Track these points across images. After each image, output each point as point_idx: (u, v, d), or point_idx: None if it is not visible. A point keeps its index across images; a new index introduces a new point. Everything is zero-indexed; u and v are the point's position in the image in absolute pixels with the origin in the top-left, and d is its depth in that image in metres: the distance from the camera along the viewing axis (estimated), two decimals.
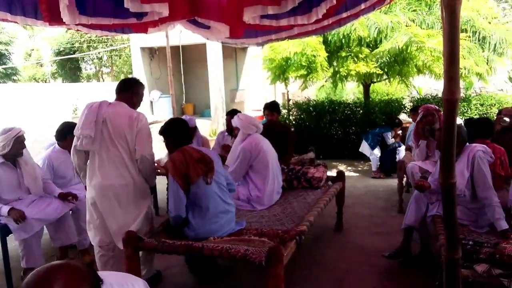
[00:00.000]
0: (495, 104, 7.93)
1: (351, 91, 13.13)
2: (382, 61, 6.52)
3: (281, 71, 7.02)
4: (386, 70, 6.92)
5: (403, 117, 8.02)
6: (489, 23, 7.38)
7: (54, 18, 2.85)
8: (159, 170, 4.16)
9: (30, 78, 31.12)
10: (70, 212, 3.77)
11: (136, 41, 11.93)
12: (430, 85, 10.80)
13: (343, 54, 6.63)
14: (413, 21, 6.58)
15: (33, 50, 31.99)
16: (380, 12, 6.29)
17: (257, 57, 8.47)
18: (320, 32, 4.92)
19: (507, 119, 4.08)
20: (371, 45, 6.66)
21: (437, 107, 4.56)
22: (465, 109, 7.93)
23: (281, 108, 8.93)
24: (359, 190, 5.88)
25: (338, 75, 6.84)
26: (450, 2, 1.27)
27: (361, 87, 8.85)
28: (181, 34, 9.60)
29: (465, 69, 6.31)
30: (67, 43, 27.11)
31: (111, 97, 3.11)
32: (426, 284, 3.06)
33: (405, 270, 3.33)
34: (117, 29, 3.83)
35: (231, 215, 2.94)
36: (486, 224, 2.99)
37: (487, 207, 2.90)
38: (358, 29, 6.10)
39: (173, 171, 2.74)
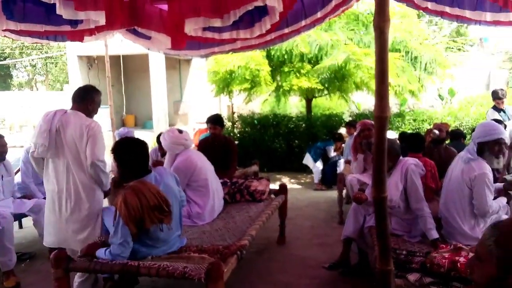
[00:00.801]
0: (426, 120, 8.48)
1: (294, 105, 13.45)
2: (323, 77, 6.75)
3: (225, 84, 7.04)
4: (326, 85, 7.17)
5: (343, 131, 8.33)
6: (420, 44, 7.93)
7: None
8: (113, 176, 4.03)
9: None
10: None
11: (73, 49, 11.40)
12: (369, 101, 11.38)
13: (286, 69, 6.79)
14: (351, 39, 6.90)
15: None
16: (321, 29, 6.54)
17: (202, 69, 8.45)
18: (263, 47, 4.99)
19: (436, 131, 4.36)
20: (312, 61, 6.89)
21: (373, 122, 4.77)
22: (399, 124, 8.40)
23: (225, 121, 8.97)
24: (301, 202, 5.98)
25: (281, 90, 6.98)
26: (380, 23, 1.32)
27: (304, 101, 9.10)
28: (122, 43, 9.30)
29: (399, 86, 6.71)
30: None
31: (46, 107, 3.03)
32: None
33: (345, 280, 3.40)
34: (50, 36, 3.61)
35: (177, 236, 2.81)
36: (419, 234, 3.13)
37: (420, 218, 3.04)
38: (300, 45, 6.29)
39: (126, 217, 2.42)
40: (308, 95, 7.91)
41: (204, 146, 4.69)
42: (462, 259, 2.37)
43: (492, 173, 2.94)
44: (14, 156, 5.23)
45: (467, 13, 3.67)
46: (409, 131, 7.52)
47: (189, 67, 12.84)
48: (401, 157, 3.29)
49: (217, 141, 4.61)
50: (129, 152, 2.64)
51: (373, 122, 5.20)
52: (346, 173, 5.13)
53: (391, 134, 6.80)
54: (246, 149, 8.16)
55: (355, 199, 3.32)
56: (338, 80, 6.90)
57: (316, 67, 6.61)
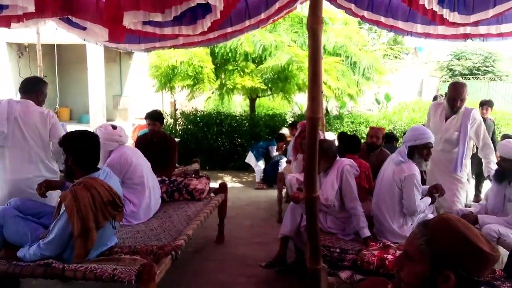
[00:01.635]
0: (363, 122, 8.86)
1: (239, 104, 13.48)
2: (266, 77, 6.80)
3: (167, 79, 6.86)
4: (270, 86, 7.24)
5: (285, 131, 8.47)
6: (360, 50, 8.26)
7: None
8: None
9: None
10: None
11: (1, 35, 10.52)
12: None
13: (230, 67, 6.76)
14: (295, 42, 7.02)
15: None
16: (265, 30, 6.58)
17: (144, 63, 8.17)
18: (207, 44, 4.93)
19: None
20: (256, 61, 6.92)
21: None
22: (338, 125, 8.70)
23: (168, 118, 8.78)
24: (242, 201, 5.99)
25: (225, 88, 6.94)
26: (313, 25, 1.34)
27: (248, 100, 9.14)
28: (56, 32, 8.74)
29: (338, 89, 6.93)
30: None
31: None
32: None
33: (281, 278, 3.44)
34: None
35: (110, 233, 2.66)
36: (352, 232, 3.25)
37: (353, 216, 3.16)
38: (244, 44, 6.29)
39: (73, 214, 2.22)
40: (252, 95, 7.95)
41: (142, 142, 4.53)
42: (390, 257, 2.49)
43: (420, 174, 3.13)
44: None
45: (400, 24, 3.89)
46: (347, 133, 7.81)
47: (130, 61, 12.38)
48: (337, 158, 3.39)
49: (156, 138, 4.47)
50: (83, 145, 2.50)
51: None
52: (286, 173, 5.21)
53: (330, 135, 7.02)
54: (188, 147, 8.04)
55: (292, 198, 3.38)
56: (281, 81, 6.99)
57: (260, 67, 6.65)
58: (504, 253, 3.21)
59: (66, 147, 2.51)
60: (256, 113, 8.83)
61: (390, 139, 5.38)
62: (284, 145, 7.28)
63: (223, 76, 7.03)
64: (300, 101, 11.16)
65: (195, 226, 3.19)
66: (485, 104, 6.02)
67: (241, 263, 3.76)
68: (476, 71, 15.22)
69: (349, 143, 4.27)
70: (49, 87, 3.64)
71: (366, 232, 3.08)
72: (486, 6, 3.13)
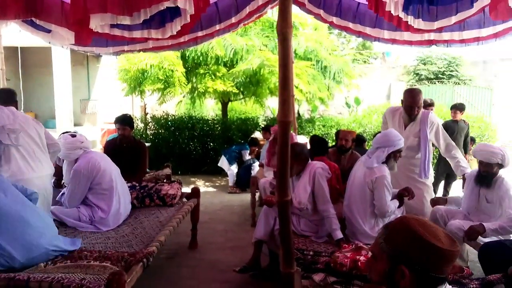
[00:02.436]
0: (334, 125, 8.99)
1: (211, 108, 13.41)
2: (238, 81, 6.80)
3: (136, 83, 6.75)
4: (242, 89, 7.25)
5: (258, 135, 8.50)
6: (330, 54, 8.40)
7: None
8: None
9: None
10: None
11: None
12: None
13: (201, 71, 6.72)
14: (266, 46, 7.06)
15: None
16: (236, 34, 6.60)
17: (112, 66, 8.00)
18: (177, 48, 4.89)
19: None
20: (228, 64, 6.91)
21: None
22: (310, 129, 8.79)
23: (138, 122, 8.62)
24: (215, 206, 5.95)
25: (196, 92, 6.89)
26: (282, 29, 1.34)
27: (220, 104, 9.11)
28: (20, 34, 8.44)
29: (310, 93, 7.01)
30: None
31: None
32: None
33: (255, 283, 3.42)
34: None
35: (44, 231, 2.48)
36: (325, 234, 3.28)
37: (326, 219, 3.20)
38: (216, 48, 6.27)
39: None
40: (224, 98, 7.93)
41: (111, 148, 4.42)
42: (362, 258, 2.52)
43: (390, 176, 3.20)
44: None
45: (368, 30, 3.99)
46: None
47: (98, 64, 12.09)
48: (309, 161, 3.43)
49: (126, 143, 4.37)
50: None
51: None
52: (259, 176, 5.22)
53: (302, 139, 7.08)
54: (159, 152, 7.92)
55: (266, 202, 3.38)
56: (253, 84, 7.01)
57: (231, 70, 6.65)
58: (470, 250, 3.33)
59: None
60: (228, 117, 8.81)
61: (360, 141, 5.49)
62: (257, 149, 7.29)
63: (194, 80, 6.98)
64: (272, 105, 11.22)
65: (167, 232, 3.14)
66: (456, 108, 6.12)
67: (214, 268, 3.72)
68: (441, 75, 15.73)
69: (316, 146, 4.34)
70: None
71: (339, 234, 3.11)
72: (449, 14, 3.26)
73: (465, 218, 3.37)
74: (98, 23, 2.99)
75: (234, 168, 6.98)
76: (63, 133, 3.80)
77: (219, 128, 8.34)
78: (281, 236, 1.58)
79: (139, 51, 4.56)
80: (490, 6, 2.94)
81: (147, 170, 4.81)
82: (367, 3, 3.32)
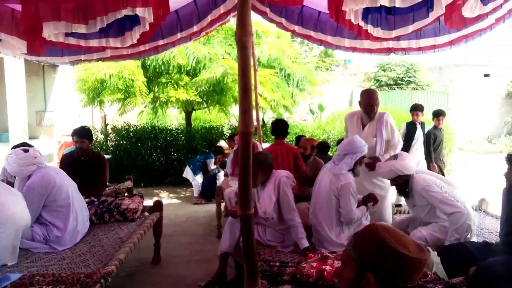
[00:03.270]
0: (299, 132, 9.05)
1: (175, 118, 13.20)
2: (201, 89, 6.71)
3: (95, 93, 6.52)
4: (205, 98, 7.16)
5: (223, 143, 8.42)
6: (293, 62, 8.48)
7: None
8: None
9: None
10: None
11: None
12: None
13: (163, 80, 6.59)
14: (229, 54, 7.03)
15: None
16: (199, 43, 6.52)
17: (69, 76, 7.70)
18: (137, 57, 4.76)
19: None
20: (190, 73, 6.82)
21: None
22: None
23: (98, 134, 8.33)
24: (180, 218, 5.80)
25: (158, 101, 6.74)
26: (241, 37, 1.30)
27: (183, 113, 8.96)
28: None
29: (274, 101, 7.03)
30: None
31: None
32: None
33: None
34: None
35: None
36: (291, 244, 3.25)
37: (292, 228, 3.17)
38: (177, 56, 6.17)
39: None
40: (187, 108, 7.81)
41: (68, 161, 4.20)
42: (328, 268, 2.50)
43: (354, 182, 3.22)
44: None
45: (329, 39, 4.04)
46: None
47: (54, 74, 11.62)
48: (274, 170, 3.39)
49: (84, 156, 4.17)
50: None
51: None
52: (225, 186, 5.14)
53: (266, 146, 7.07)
54: (121, 164, 7.68)
55: (231, 213, 3.31)
56: (216, 93, 6.94)
57: (194, 79, 6.55)
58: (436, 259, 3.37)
59: None
60: (192, 126, 8.68)
61: (325, 148, 5.53)
62: (222, 158, 7.21)
63: (156, 89, 6.83)
64: (237, 113, 11.17)
65: (127, 249, 2.99)
66: (440, 115, 6.11)
67: (179, 283, 3.60)
68: (400, 81, 16.30)
69: (276, 128, 4.41)
70: None
71: (305, 243, 3.09)
72: (406, 23, 3.35)
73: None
74: (51, 31, 2.85)
75: (199, 178, 6.86)
76: (14, 147, 3.57)
77: (183, 137, 8.20)
78: (244, 252, 1.52)
79: (97, 60, 4.40)
80: (445, 16, 3.04)
81: (108, 183, 4.62)
82: (328, 12, 3.34)
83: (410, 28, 3.37)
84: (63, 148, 8.24)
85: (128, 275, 3.74)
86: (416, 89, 16.09)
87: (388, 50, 4.24)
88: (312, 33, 4.01)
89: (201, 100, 7.07)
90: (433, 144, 6.01)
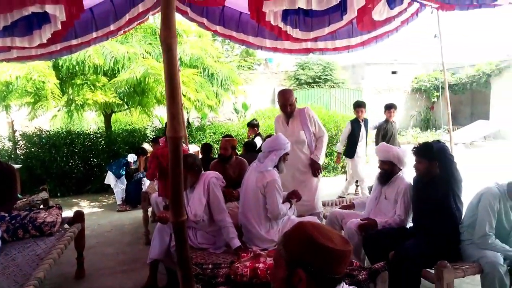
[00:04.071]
0: (224, 132, 9.05)
1: (93, 121, 12.45)
2: (121, 91, 6.42)
3: (0, 97, 5.90)
4: (126, 100, 6.87)
5: (147, 146, 8.13)
6: (216, 61, 8.46)
7: None
8: None
9: None
10: None
11: None
12: None
13: (78, 81, 6.19)
14: (150, 53, 6.81)
15: None
16: (116, 41, 6.23)
17: None
18: (48, 58, 4.40)
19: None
20: (109, 74, 6.48)
21: None
22: (201, 137, 8.73)
23: (5, 142, 7.57)
24: (103, 227, 5.50)
25: (73, 104, 6.31)
26: (166, 39, 1.26)
27: (102, 116, 8.50)
28: None
29: (198, 101, 6.96)
30: None
31: None
32: None
33: None
34: None
35: None
36: (223, 244, 3.24)
37: (223, 228, 3.16)
38: (93, 56, 5.82)
39: None
40: (106, 110, 7.41)
41: None
42: (261, 265, 2.54)
43: (280, 179, 3.30)
44: None
45: (251, 39, 4.11)
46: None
47: None
48: (202, 171, 3.36)
49: None
50: None
51: None
52: (151, 191, 4.97)
53: (193, 148, 6.99)
54: (33, 173, 7.07)
55: (159, 219, 3.21)
56: (138, 94, 6.69)
57: (113, 80, 6.25)
58: None
59: None
60: (112, 129, 8.26)
61: (251, 147, 5.58)
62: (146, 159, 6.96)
63: (70, 92, 6.38)
64: (160, 114, 10.88)
65: (46, 266, 2.77)
66: (391, 108, 6.24)
67: None
68: (318, 80, 17.11)
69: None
70: None
71: (237, 243, 3.10)
72: (323, 25, 3.52)
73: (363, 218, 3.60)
74: None
75: (121, 184, 6.54)
76: None
77: (103, 142, 7.77)
78: (178, 260, 1.48)
79: (1, 61, 3.99)
80: (357, 19, 3.25)
81: (19, 196, 4.22)
82: (249, 13, 3.39)
83: (326, 30, 3.55)
84: None
85: None
86: (333, 86, 17.01)
87: (307, 51, 4.42)
88: (234, 33, 4.04)
89: (121, 101, 6.77)
90: (383, 138, 6.07)
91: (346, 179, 6.66)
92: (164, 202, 4.31)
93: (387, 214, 3.43)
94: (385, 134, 6.17)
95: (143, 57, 6.51)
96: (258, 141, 6.14)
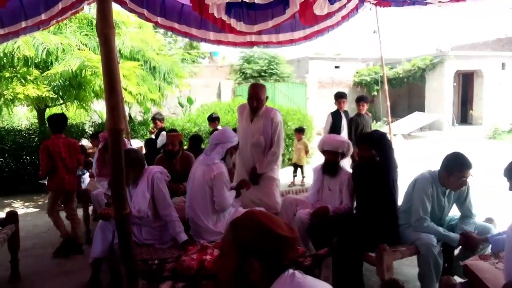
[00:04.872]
0: (169, 126, 8.86)
1: (24, 117, 11.65)
2: (55, 84, 6.06)
3: None
4: (61, 94, 6.49)
5: (85, 142, 7.77)
6: (158, 54, 8.24)
7: None
8: None
9: None
10: None
11: None
12: None
13: (7, 74, 5.77)
14: (86, 45, 6.48)
15: None
16: (49, 32, 5.86)
17: None
18: None
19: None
20: (41, 66, 6.09)
21: None
22: (144, 132, 8.50)
23: None
24: (39, 228, 5.20)
25: (2, 99, 5.86)
26: (103, 30, 1.21)
27: (35, 112, 7.98)
28: None
29: (140, 95, 6.75)
30: None
31: None
32: None
33: None
34: None
35: None
36: (170, 239, 3.19)
37: (169, 223, 3.11)
38: (23, 47, 5.43)
39: None
40: (40, 105, 6.96)
41: None
42: (208, 257, 2.54)
43: (227, 171, 3.31)
44: None
45: (194, 31, 4.05)
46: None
47: None
48: (146, 166, 3.28)
49: None
50: None
51: None
52: (91, 189, 4.78)
53: (136, 143, 6.79)
54: None
55: (101, 216, 3.10)
56: (74, 88, 6.34)
57: (46, 73, 5.87)
58: None
59: None
60: (47, 125, 7.78)
61: (197, 141, 5.52)
62: (86, 158, 6.64)
63: None
64: (99, 109, 10.42)
65: None
66: (361, 100, 6.06)
67: None
68: (263, 73, 17.27)
69: (50, 123, 4.51)
70: None
71: (183, 237, 3.08)
72: (266, 18, 3.57)
73: (312, 207, 3.62)
74: None
75: None
76: None
77: (37, 138, 7.30)
78: (122, 254, 1.44)
79: None
80: (299, 13, 3.32)
81: None
82: (191, 4, 3.34)
83: (270, 24, 3.60)
84: None
85: None
86: (278, 80, 17.25)
87: (251, 44, 4.45)
88: (176, 25, 3.96)
89: (56, 96, 6.38)
90: (355, 131, 5.92)
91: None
92: (106, 199, 4.17)
93: (333, 204, 3.50)
94: (356, 127, 6.02)
95: (79, 49, 6.19)
96: (162, 137, 5.73)
